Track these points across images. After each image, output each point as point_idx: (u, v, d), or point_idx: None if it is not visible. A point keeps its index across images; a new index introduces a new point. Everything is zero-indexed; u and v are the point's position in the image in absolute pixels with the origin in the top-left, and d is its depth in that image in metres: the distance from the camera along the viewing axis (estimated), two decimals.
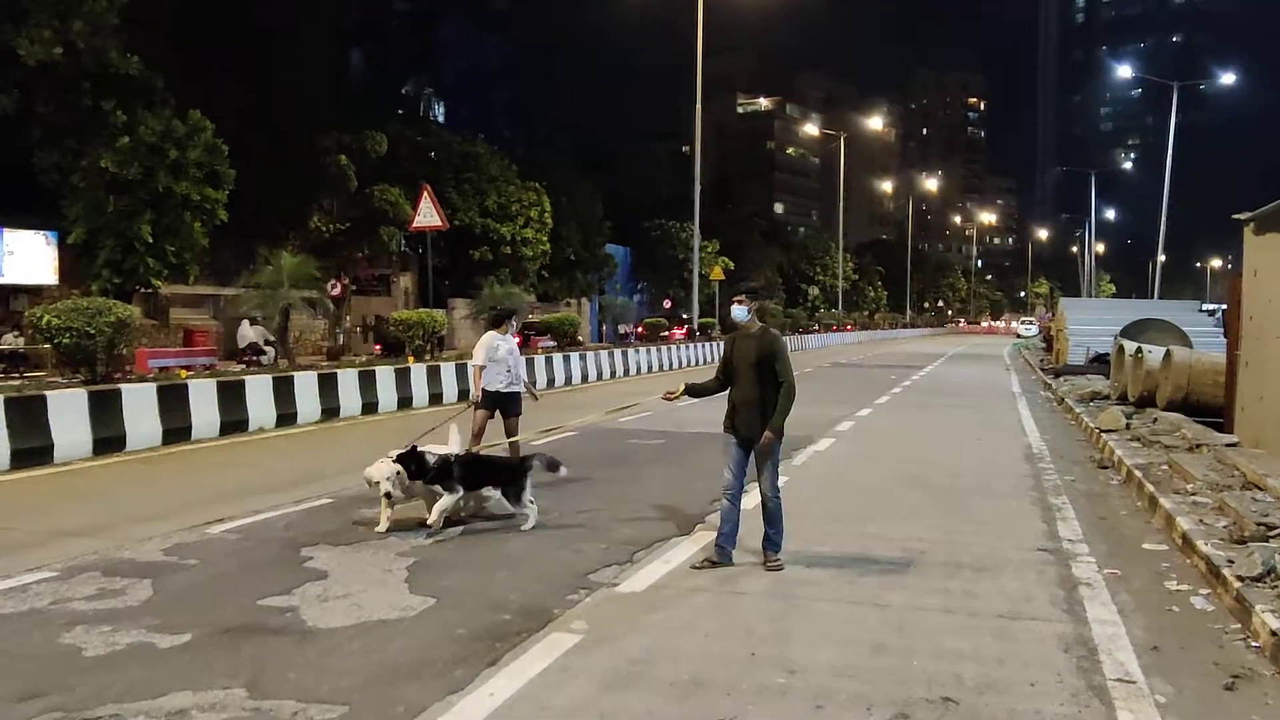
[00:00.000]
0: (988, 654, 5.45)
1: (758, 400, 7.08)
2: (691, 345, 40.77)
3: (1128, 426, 14.83)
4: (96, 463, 12.41)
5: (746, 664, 5.19)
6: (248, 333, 27.43)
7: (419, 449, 8.22)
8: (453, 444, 9.14)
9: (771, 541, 7.21)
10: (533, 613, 6.05)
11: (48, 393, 12.96)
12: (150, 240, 24.67)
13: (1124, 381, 19.17)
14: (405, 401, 19.77)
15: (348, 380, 18.42)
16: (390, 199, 36.21)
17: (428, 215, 26.14)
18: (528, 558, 7.49)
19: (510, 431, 10.49)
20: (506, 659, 5.26)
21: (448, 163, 43.06)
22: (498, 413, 10.77)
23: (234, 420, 15.28)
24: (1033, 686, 4.99)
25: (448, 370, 21.85)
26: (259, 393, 16.05)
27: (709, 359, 40.90)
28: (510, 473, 8.65)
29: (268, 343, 26.60)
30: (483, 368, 10.65)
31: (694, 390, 7.56)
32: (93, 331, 15.12)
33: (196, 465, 12.47)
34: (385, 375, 19.52)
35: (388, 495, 8.27)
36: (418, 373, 20.66)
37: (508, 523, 8.77)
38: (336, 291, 32.48)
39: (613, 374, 29.96)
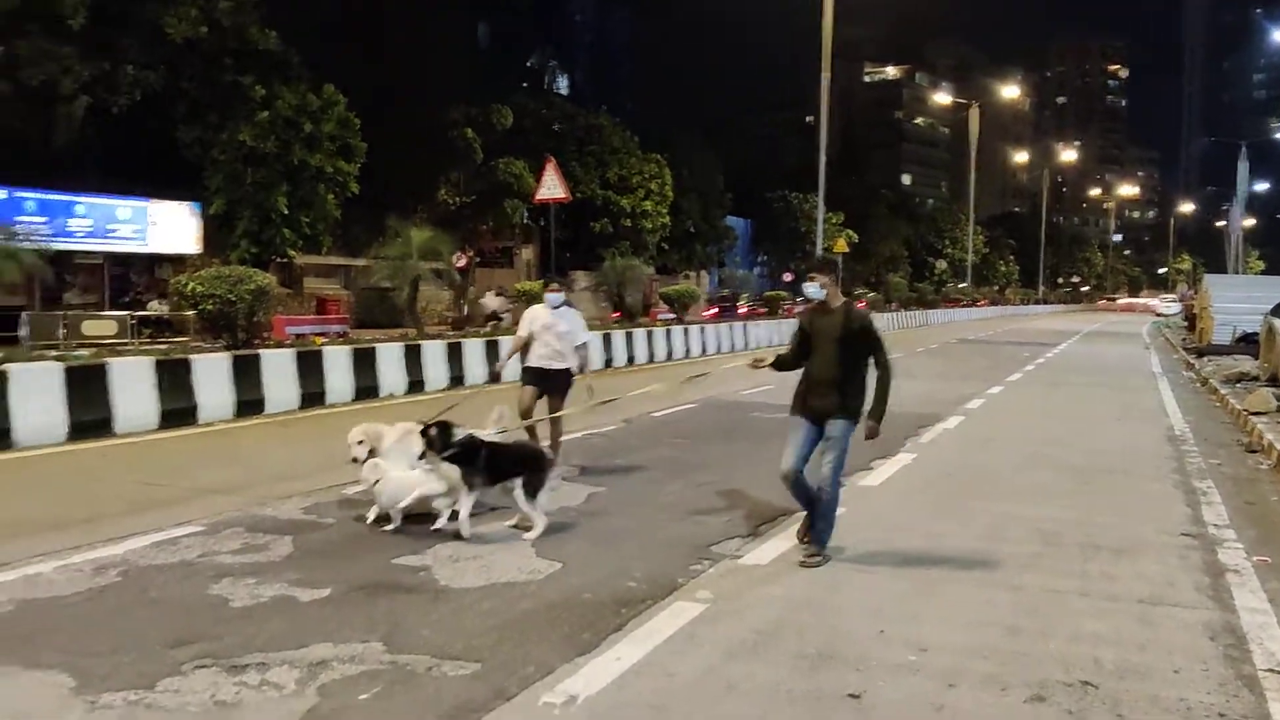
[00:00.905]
0: (1128, 639, 5.24)
1: (837, 380, 6.46)
2: None
3: (1279, 409, 14.07)
4: (238, 424, 12.95)
5: (875, 640, 5.11)
6: (490, 302, 30.51)
7: (450, 423, 7.21)
8: (493, 426, 8.36)
9: (818, 534, 6.58)
10: (657, 581, 6.07)
11: (193, 357, 13.58)
12: (286, 212, 25.58)
13: (1274, 362, 18.19)
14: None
15: (473, 349, 18.77)
16: (514, 172, 36.67)
17: (552, 187, 26.37)
18: (651, 527, 7.52)
19: (550, 411, 9.43)
20: (631, 625, 5.29)
21: (570, 135, 43.35)
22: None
23: (366, 386, 15.74)
24: (1176, 673, 4.79)
25: None
26: (390, 360, 16.50)
27: None
28: (532, 462, 7.38)
29: (505, 311, 29.77)
30: (524, 340, 9.63)
31: (777, 363, 6.96)
32: (234, 299, 15.76)
33: (332, 428, 12.84)
34: (508, 344, 19.80)
35: (361, 461, 7.51)
36: None
37: (630, 492, 8.82)
38: (462, 263, 33.05)
39: (732, 348, 29.84)
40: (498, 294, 31.31)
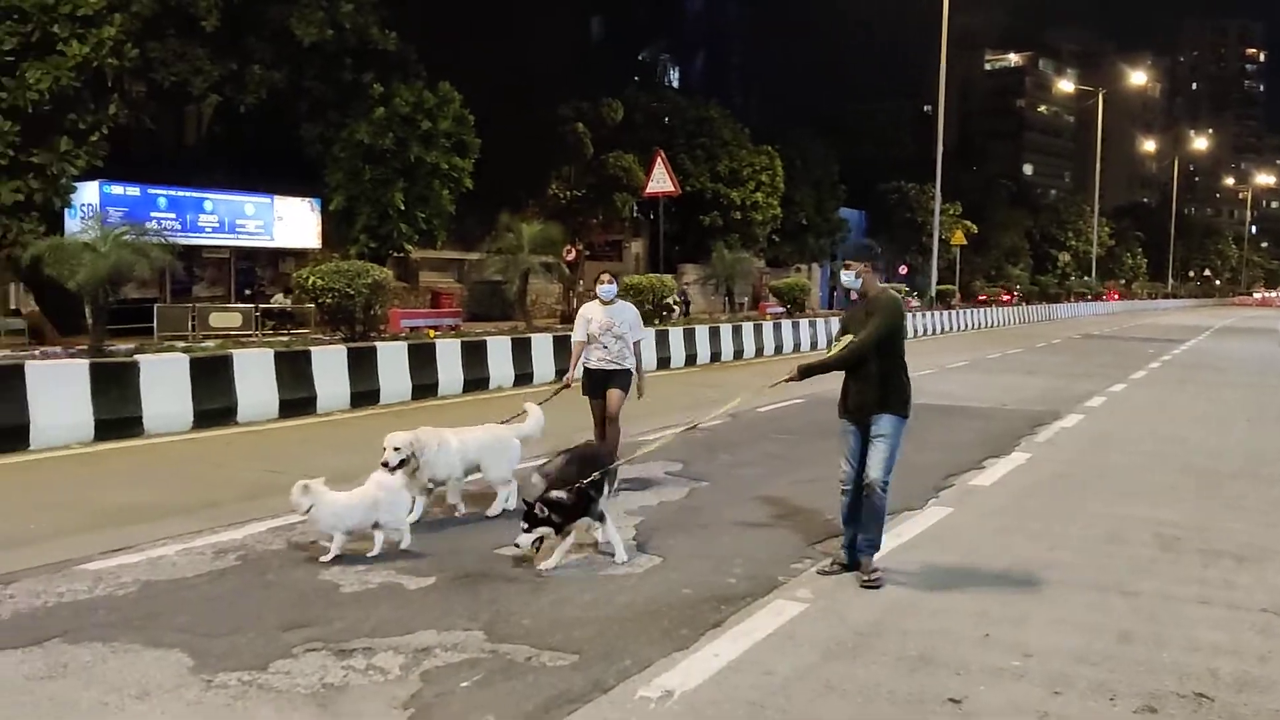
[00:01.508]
0: (1248, 650, 5.00)
1: (876, 373, 5.99)
2: (929, 313, 39.50)
3: None
4: (353, 415, 13.34)
5: (979, 644, 4.99)
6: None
7: (559, 500, 6.15)
8: (531, 426, 8.09)
9: (868, 543, 5.99)
10: (757, 578, 6.03)
11: (312, 348, 14.04)
12: (402, 207, 26.18)
13: None
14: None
15: None
16: (624, 165, 36.85)
17: (661, 181, 26.44)
18: (752, 524, 7.48)
19: (609, 408, 8.78)
20: (731, 622, 5.27)
21: (681, 128, 43.32)
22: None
23: (476, 378, 16.04)
24: None
25: (675, 335, 22.14)
26: (499, 353, 16.77)
27: (944, 328, 39.56)
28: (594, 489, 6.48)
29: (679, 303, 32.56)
30: (584, 345, 8.85)
31: (807, 370, 6.15)
32: (352, 292, 16.24)
33: (442, 420, 13.14)
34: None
35: (390, 468, 6.85)
36: (647, 336, 21.00)
37: (732, 488, 8.78)
38: (571, 257, 33.43)
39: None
40: (682, 286, 33.62)
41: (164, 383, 11.70)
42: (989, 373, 20.85)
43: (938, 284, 46.18)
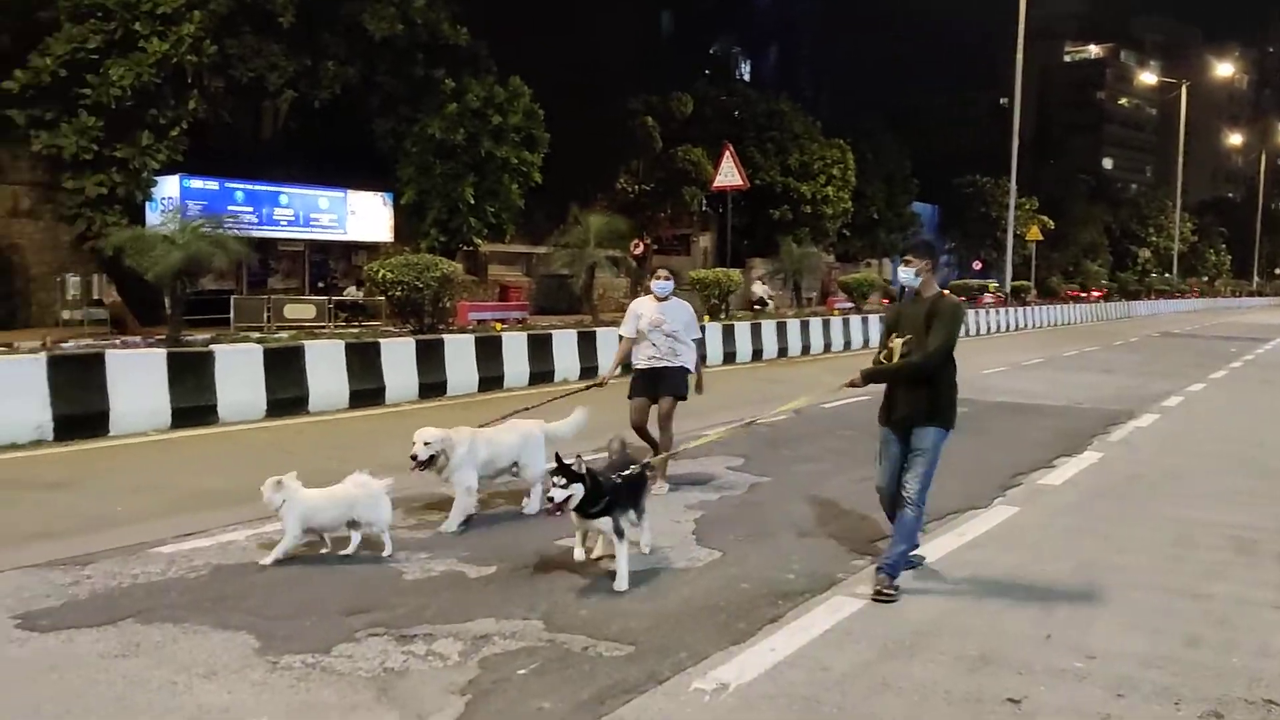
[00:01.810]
0: None
1: (927, 385, 5.63)
2: (1003, 310, 38.83)
3: None
4: (420, 406, 13.52)
5: (1040, 645, 4.90)
6: (757, 289, 34.32)
7: (598, 474, 5.77)
8: (565, 427, 7.72)
9: (891, 562, 5.60)
10: (816, 574, 6.00)
11: (381, 340, 14.27)
12: (472, 201, 26.46)
13: None
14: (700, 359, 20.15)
15: None
16: (693, 159, 36.81)
17: (729, 175, 26.36)
18: (813, 521, 7.44)
19: (660, 414, 8.33)
20: (788, 617, 5.25)
21: (751, 121, 43.12)
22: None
23: (542, 371, 16.16)
24: None
25: (741, 329, 22.08)
26: (564, 346, 16.88)
27: (1019, 324, 38.86)
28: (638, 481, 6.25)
29: (770, 296, 34.25)
30: (631, 341, 8.49)
31: (870, 376, 5.81)
32: (420, 285, 16.46)
33: (505, 412, 13.29)
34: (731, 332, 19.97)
35: (419, 462, 6.77)
36: (712, 331, 20.97)
37: (793, 484, 8.74)
38: (638, 251, 33.51)
39: None
40: (764, 281, 34.63)
41: (238, 372, 11.99)
42: (1063, 370, 20.44)
43: (1013, 280, 45.32)
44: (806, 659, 4.67)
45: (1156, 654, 4.81)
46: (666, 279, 8.61)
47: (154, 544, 6.40)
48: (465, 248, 28.50)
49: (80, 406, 10.42)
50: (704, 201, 40.65)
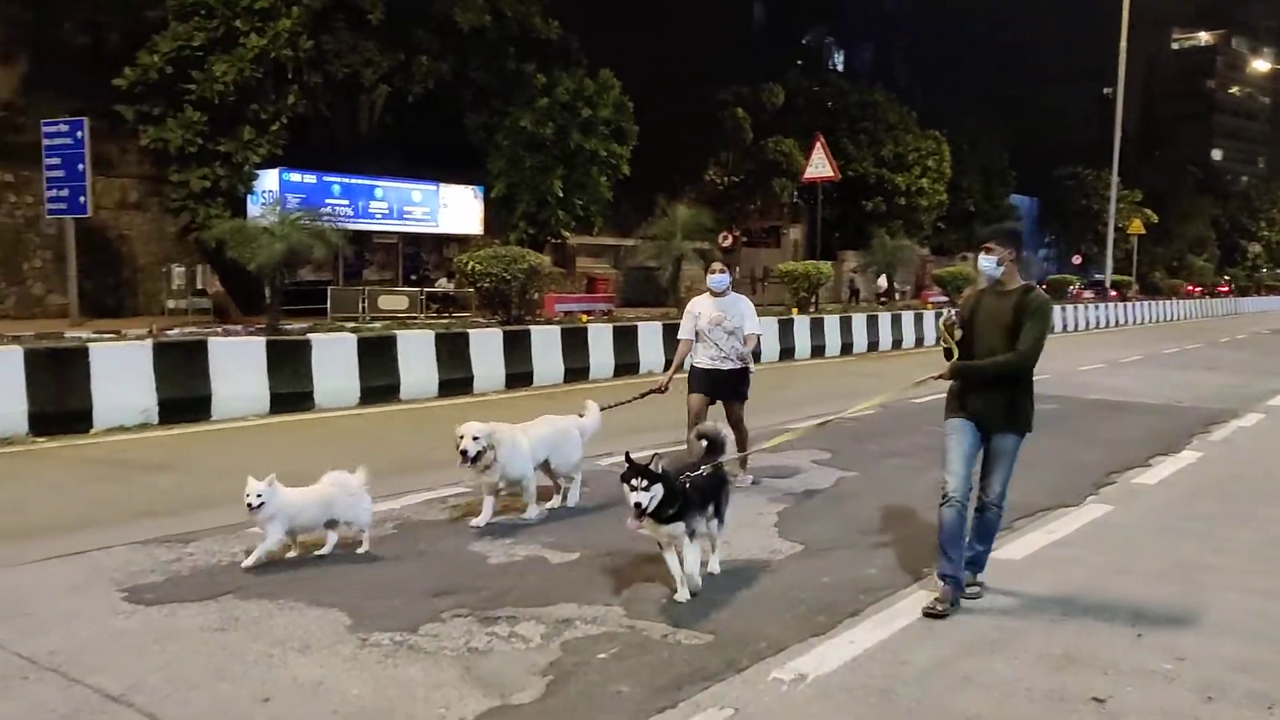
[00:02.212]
0: None
1: (1007, 388, 5.30)
2: (1103, 306, 37.80)
3: None
4: (507, 395, 13.73)
5: (1129, 645, 4.79)
6: (882, 282, 35.20)
7: (662, 474, 5.23)
8: (589, 422, 7.66)
9: (977, 560, 5.44)
10: (899, 569, 5.95)
11: (470, 331, 14.54)
12: (561, 194, 26.72)
13: None
14: (788, 352, 20.06)
15: None
16: (784, 150, 36.59)
17: (820, 166, 26.13)
18: (898, 516, 7.36)
19: (731, 420, 8.10)
20: (869, 611, 5.22)
21: (844, 112, 42.68)
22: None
23: (627, 362, 16.27)
24: None
25: (831, 322, 21.87)
26: (650, 338, 16.95)
27: (1119, 320, 37.79)
28: (719, 480, 5.86)
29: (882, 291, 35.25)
30: (690, 344, 8.22)
31: (959, 372, 5.36)
32: (508, 277, 16.70)
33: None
34: (768, 326, 19.87)
35: (469, 457, 6.57)
36: (800, 325, 20.84)
37: (879, 479, 8.65)
38: (727, 243, 33.46)
39: None
40: (853, 272, 35.73)
41: (334, 361, 12.33)
42: (1164, 368, 19.83)
43: (1113, 274, 44.08)
44: (886, 652, 4.65)
45: (1250, 658, 4.66)
46: (722, 272, 8.22)
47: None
48: (553, 240, 28.79)
49: (184, 391, 10.84)
50: (794, 193, 40.35)
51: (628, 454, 5.30)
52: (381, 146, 29.21)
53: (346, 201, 27.05)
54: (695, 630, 4.90)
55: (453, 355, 13.73)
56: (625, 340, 16.51)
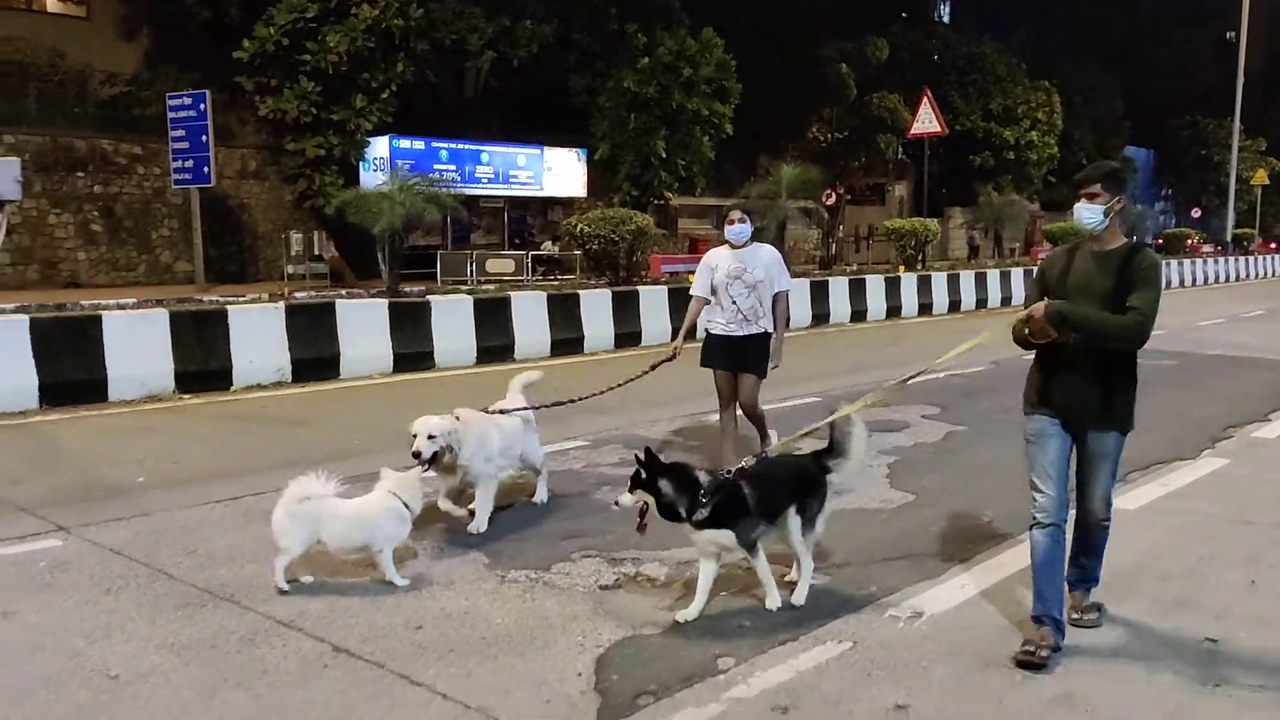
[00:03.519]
0: None
1: (1100, 365, 4.19)
2: (1223, 260, 36.46)
3: None
4: (616, 354, 14.04)
5: (1243, 591, 4.86)
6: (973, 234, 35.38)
7: (685, 467, 4.68)
8: (512, 402, 6.52)
9: (1087, 576, 4.52)
10: (1011, 519, 6.05)
11: (580, 291, 14.86)
12: (664, 155, 26.82)
13: None
14: (894, 310, 19.95)
15: (838, 288, 18.93)
16: (889, 106, 35.98)
17: (927, 121, 25.76)
18: (1010, 467, 7.41)
19: (742, 397, 6.99)
20: (981, 557, 5.38)
21: (951, 65, 41.71)
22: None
23: None
24: None
25: (938, 280, 21.65)
26: None
27: (1239, 275, 36.43)
28: (810, 476, 4.92)
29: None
30: (705, 301, 6.98)
31: (1068, 317, 4.14)
32: (616, 239, 16.98)
33: (694, 363, 13.62)
34: (875, 284, 19.80)
35: (423, 460, 5.48)
36: (907, 282, 20.69)
37: (990, 433, 8.71)
38: (831, 201, 33.14)
39: None
40: (970, 228, 35.37)
41: (451, 321, 12.80)
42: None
43: (1234, 227, 42.42)
44: (1001, 594, 4.81)
45: None
46: (741, 221, 6.92)
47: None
48: (656, 201, 28.96)
49: (314, 351, 11.42)
50: (900, 149, 39.71)
51: (642, 452, 4.57)
52: (487, 111, 29.67)
53: (454, 166, 27.60)
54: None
55: (564, 316, 14.10)
56: None
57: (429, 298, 13.33)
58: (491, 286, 17.52)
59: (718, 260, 6.95)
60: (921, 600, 4.73)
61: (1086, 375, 4.22)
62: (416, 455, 5.45)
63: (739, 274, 6.79)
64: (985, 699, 3.80)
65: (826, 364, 12.86)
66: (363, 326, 11.97)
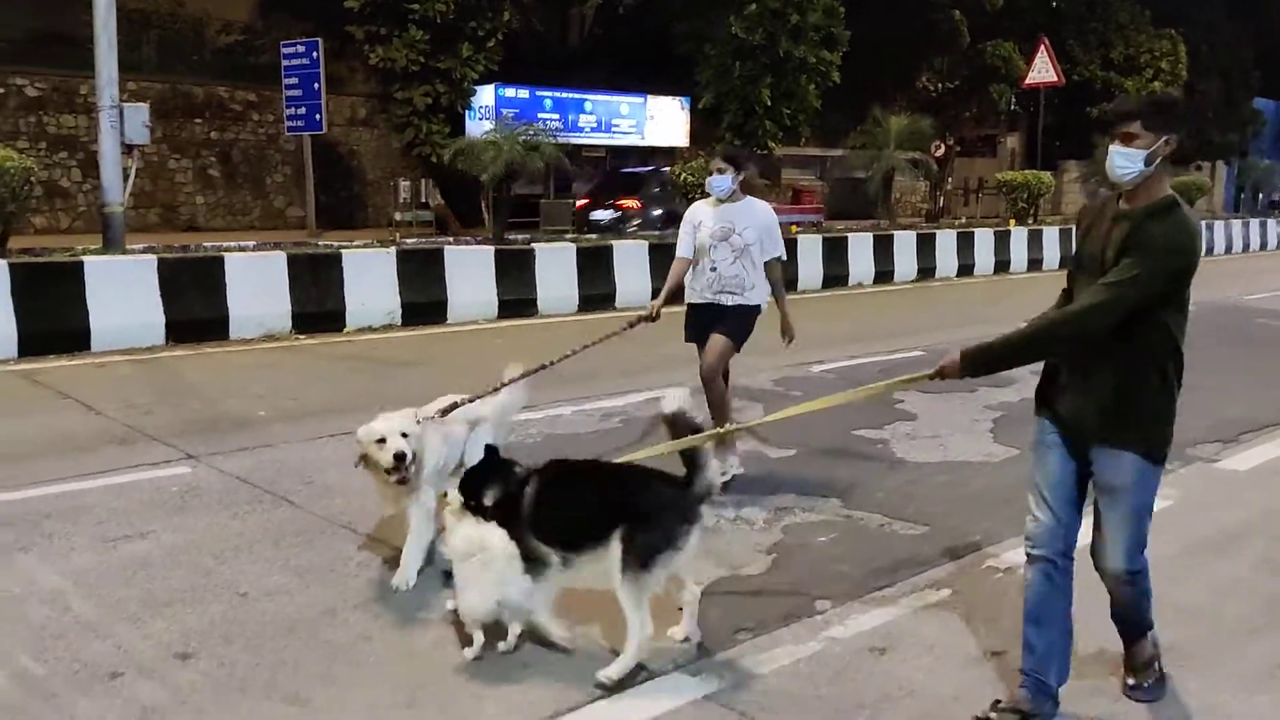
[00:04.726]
0: None
1: (1107, 362, 3.11)
2: None
3: None
4: None
5: None
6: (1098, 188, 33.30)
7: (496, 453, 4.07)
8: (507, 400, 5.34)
9: (1131, 628, 3.47)
10: None
11: None
12: (769, 103, 26.47)
13: None
14: (1003, 265, 19.53)
15: (945, 242, 18.60)
16: (1003, 54, 34.79)
17: (1043, 70, 24.99)
18: None
19: (706, 362, 5.96)
20: (1088, 511, 5.31)
21: (1069, 11, 40.08)
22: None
23: (836, 274, 16.30)
24: None
25: (1050, 235, 21.10)
26: (860, 250, 16.89)
27: None
28: (643, 497, 3.66)
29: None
30: (688, 263, 6.03)
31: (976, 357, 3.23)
32: None
33: (801, 314, 13.50)
34: (984, 238, 19.41)
35: (405, 465, 4.19)
36: (1018, 236, 20.22)
37: None
38: (940, 153, 32.35)
39: (1259, 246, 26.71)
40: (1084, 182, 34.50)
41: (555, 269, 12.99)
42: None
43: None
44: None
45: None
46: (721, 172, 5.91)
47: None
48: (759, 151, 28.65)
49: (423, 296, 11.72)
50: (1013, 100, 38.40)
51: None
52: (591, 60, 29.64)
53: (557, 115, 27.70)
54: (910, 522, 5.16)
55: (664, 265, 14.07)
56: (835, 252, 16.52)
57: (533, 245, 13.52)
58: (593, 236, 17.63)
59: (701, 216, 5.98)
60: (1023, 554, 4.71)
61: (1093, 368, 3.10)
62: (399, 459, 4.15)
63: (725, 235, 5.85)
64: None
65: (934, 318, 12.71)
66: (469, 272, 12.23)
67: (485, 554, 3.60)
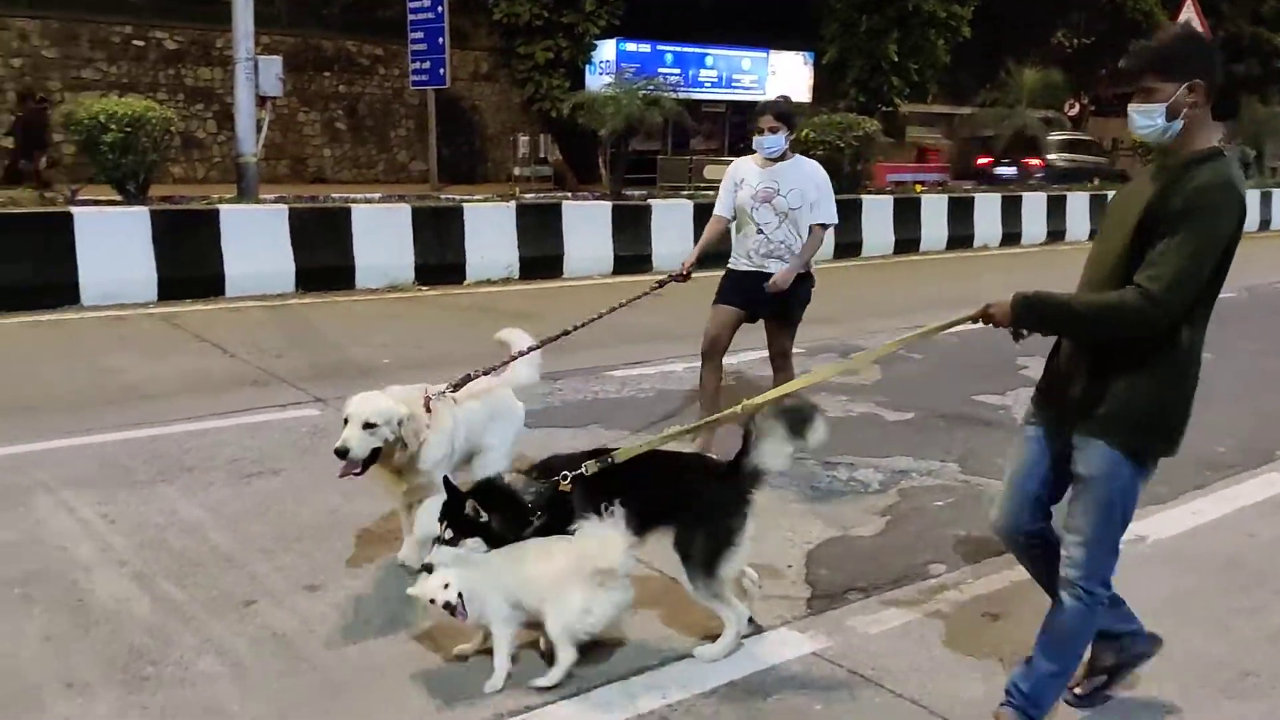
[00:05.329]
0: None
1: (1099, 352, 2.83)
2: None
3: None
4: (837, 264, 13.86)
5: None
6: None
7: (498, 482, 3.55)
8: (517, 375, 4.58)
9: (1025, 692, 2.97)
10: (1250, 450, 5.76)
11: None
12: (895, 59, 25.80)
13: None
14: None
15: (1077, 204, 17.96)
16: (1144, 9, 33.16)
17: (1188, 25, 23.64)
18: (1253, 399, 7.01)
19: (773, 350, 5.70)
20: (1215, 486, 5.17)
21: None
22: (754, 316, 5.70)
23: (961, 235, 15.90)
24: None
25: None
26: (987, 211, 16.43)
27: None
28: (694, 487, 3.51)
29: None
30: (725, 222, 5.57)
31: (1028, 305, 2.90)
32: (842, 145, 16.60)
33: (923, 276, 13.32)
34: None
35: (354, 465, 3.73)
36: None
37: (1232, 364, 8.18)
38: (1074, 111, 31.15)
39: None
40: (1226, 141, 32.71)
41: (670, 226, 12.97)
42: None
43: None
44: (1232, 524, 4.63)
45: None
46: (774, 131, 5.29)
47: (608, 368, 7.38)
48: (884, 108, 27.99)
49: (541, 250, 11.88)
50: None
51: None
52: (713, 14, 29.29)
53: (678, 70, 27.52)
54: None
55: None
56: (961, 213, 16.11)
57: (650, 201, 13.53)
58: (711, 193, 17.57)
59: (743, 174, 5.43)
60: (1150, 524, 4.57)
61: (1078, 360, 2.87)
62: (341, 454, 3.66)
63: (768, 196, 5.32)
64: (1204, 621, 3.70)
65: (1062, 279, 12.29)
66: (586, 228, 12.32)
67: (606, 565, 3.14)
